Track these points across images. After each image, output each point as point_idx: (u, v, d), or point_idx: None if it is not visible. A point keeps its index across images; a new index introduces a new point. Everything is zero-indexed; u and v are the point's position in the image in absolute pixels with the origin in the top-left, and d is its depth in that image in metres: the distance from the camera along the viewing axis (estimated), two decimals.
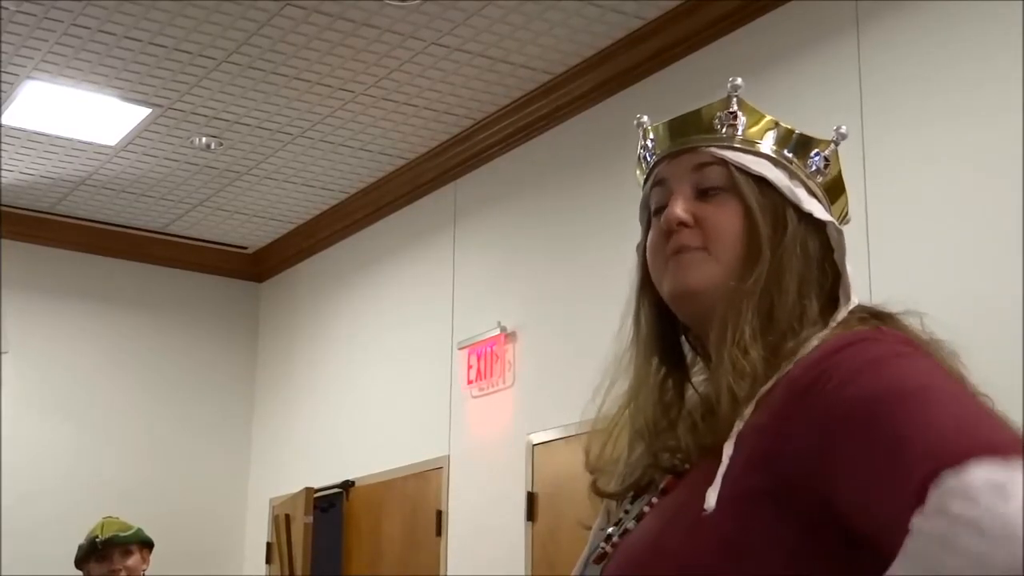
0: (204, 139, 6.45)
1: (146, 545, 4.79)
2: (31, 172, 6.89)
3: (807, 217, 1.32)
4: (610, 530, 1.33)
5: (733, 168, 1.33)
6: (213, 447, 7.85)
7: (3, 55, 5.60)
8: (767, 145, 1.36)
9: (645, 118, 1.42)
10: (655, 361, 1.38)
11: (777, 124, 1.38)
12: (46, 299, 7.51)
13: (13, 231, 7.37)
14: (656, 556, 1.21)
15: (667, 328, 1.39)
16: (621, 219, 5.21)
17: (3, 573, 6.93)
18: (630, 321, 1.41)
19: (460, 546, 6.05)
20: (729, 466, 1.17)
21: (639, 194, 1.43)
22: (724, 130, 1.36)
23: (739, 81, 1.38)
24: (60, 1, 5.17)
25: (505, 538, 5.68)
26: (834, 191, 1.39)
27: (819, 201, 1.35)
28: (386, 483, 6.61)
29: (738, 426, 1.20)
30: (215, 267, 8.05)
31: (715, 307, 1.29)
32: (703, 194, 1.34)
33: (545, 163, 5.95)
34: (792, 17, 4.77)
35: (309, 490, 6.90)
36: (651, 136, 1.41)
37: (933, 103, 4.19)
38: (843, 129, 1.39)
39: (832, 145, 1.38)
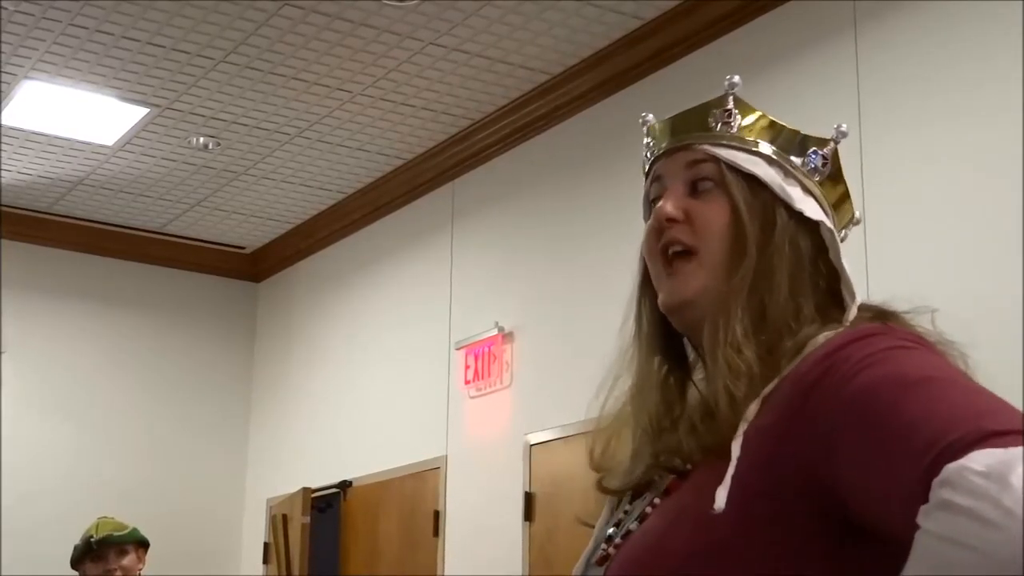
0: (202, 139, 6.44)
1: (142, 545, 4.78)
2: (29, 172, 6.88)
3: (799, 216, 1.32)
4: (611, 531, 1.33)
5: (723, 165, 1.34)
6: (210, 447, 7.84)
7: (1, 55, 5.59)
8: (761, 143, 1.36)
9: (650, 116, 1.43)
10: (657, 359, 1.38)
11: (773, 122, 1.38)
12: (44, 299, 7.51)
13: (10, 231, 7.37)
14: (659, 557, 1.21)
15: (669, 326, 1.39)
16: (619, 219, 5.22)
17: (3, 573, 6.93)
18: (632, 318, 1.41)
19: (458, 546, 6.05)
20: (736, 466, 1.17)
21: (637, 194, 1.44)
22: (719, 127, 1.37)
23: (736, 79, 1.39)
24: (58, 1, 5.17)
25: (503, 538, 5.68)
26: (838, 191, 1.39)
27: (816, 200, 1.35)
28: (384, 483, 6.61)
29: (743, 426, 1.20)
30: (213, 267, 8.05)
31: (707, 311, 1.30)
32: (695, 191, 1.35)
33: (543, 163, 5.95)
34: (790, 17, 4.77)
35: (306, 490, 6.90)
36: (651, 133, 1.42)
37: (931, 103, 4.19)
38: (843, 127, 1.39)
39: (831, 143, 1.38)
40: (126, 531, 4.76)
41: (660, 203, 1.35)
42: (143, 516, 5.23)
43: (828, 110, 4.42)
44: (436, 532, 6.16)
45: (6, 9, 5.22)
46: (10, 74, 5.78)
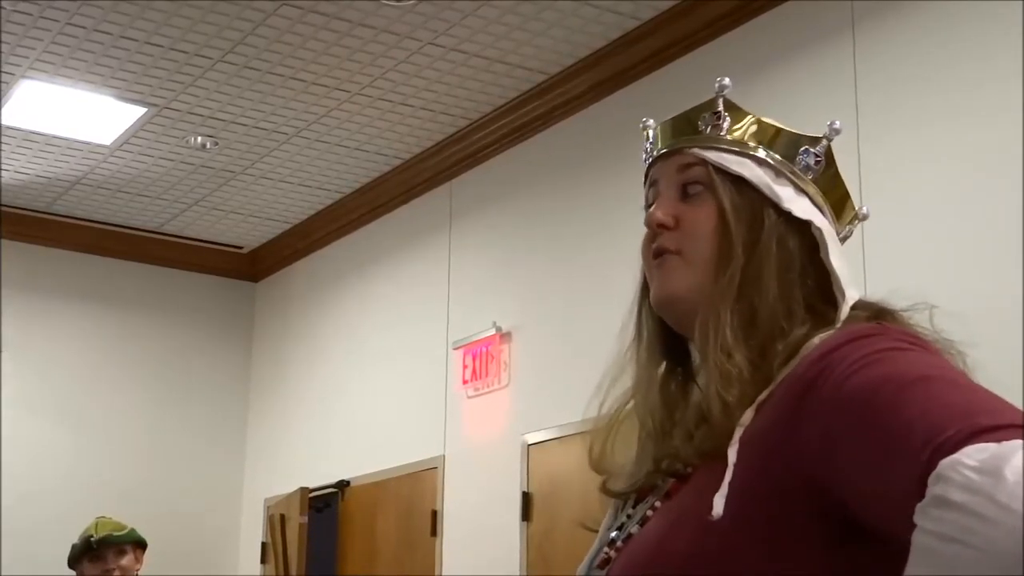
0: (200, 139, 6.44)
1: (140, 545, 4.78)
2: (27, 172, 6.88)
3: (789, 216, 1.32)
4: (613, 534, 1.34)
5: (712, 168, 1.34)
6: (208, 446, 7.84)
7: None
8: (751, 144, 1.36)
9: (650, 121, 1.44)
10: (658, 362, 1.38)
11: (763, 123, 1.38)
12: (41, 298, 7.51)
13: (7, 230, 7.37)
14: (660, 559, 1.21)
15: (670, 328, 1.39)
16: (617, 219, 5.22)
17: (2, 573, 6.92)
18: (633, 319, 1.41)
19: (455, 546, 6.05)
20: (734, 471, 1.18)
21: (635, 194, 1.44)
22: (708, 130, 1.37)
23: (726, 81, 1.39)
24: (56, 1, 5.17)
25: (500, 538, 5.69)
26: (837, 188, 1.39)
27: (811, 199, 1.35)
28: (381, 483, 6.61)
29: (739, 431, 1.20)
30: (211, 267, 8.05)
31: (697, 309, 1.30)
32: (687, 195, 1.36)
33: (541, 163, 5.96)
34: (788, 17, 4.77)
35: (304, 490, 6.90)
36: (650, 138, 1.42)
37: (929, 103, 4.20)
38: (836, 124, 1.39)
39: (824, 141, 1.38)
40: (125, 531, 4.76)
41: (651, 209, 1.36)
42: (141, 516, 5.23)
43: (826, 110, 4.42)
44: (434, 532, 6.16)
45: (4, 8, 5.21)
46: (8, 73, 5.78)
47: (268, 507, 7.40)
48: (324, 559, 6.90)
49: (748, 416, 1.21)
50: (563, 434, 5.36)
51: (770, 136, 1.37)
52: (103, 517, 4.88)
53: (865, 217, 1.44)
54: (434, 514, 6.18)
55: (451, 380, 6.23)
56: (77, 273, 7.64)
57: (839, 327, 1.25)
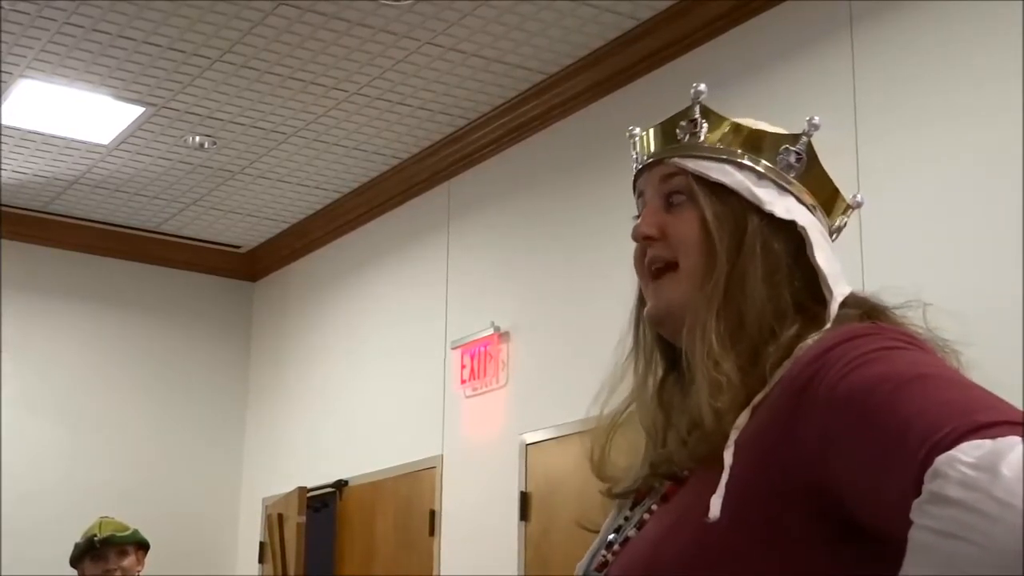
0: (198, 138, 6.44)
1: (142, 547, 4.79)
2: (24, 171, 6.88)
3: (772, 217, 1.32)
4: (611, 537, 1.34)
5: (692, 177, 1.35)
6: (206, 446, 7.84)
7: None
8: (729, 149, 1.36)
9: (637, 130, 1.44)
10: (655, 368, 1.39)
11: (740, 126, 1.38)
12: (39, 298, 7.50)
13: (5, 230, 7.36)
14: (657, 561, 1.21)
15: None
16: (615, 220, 5.21)
17: (2, 573, 6.92)
18: (631, 324, 1.42)
19: (453, 546, 6.05)
20: (731, 473, 1.18)
21: (633, 194, 1.44)
22: (687, 139, 1.37)
23: (702, 87, 1.39)
24: (54, 0, 5.17)
25: (498, 538, 5.69)
26: (824, 183, 1.38)
27: (796, 198, 1.35)
28: (379, 483, 6.61)
29: (734, 435, 1.20)
30: (209, 266, 8.05)
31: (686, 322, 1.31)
32: (671, 205, 1.36)
33: (539, 163, 5.96)
34: (786, 17, 4.77)
35: (302, 490, 6.90)
36: (636, 148, 1.43)
37: (928, 103, 4.19)
38: (815, 120, 1.38)
39: (804, 138, 1.37)
40: (128, 532, 4.76)
41: (637, 223, 1.37)
42: (140, 515, 5.23)
43: (824, 110, 4.38)
44: (432, 532, 6.16)
45: (2, 7, 5.21)
46: (6, 73, 5.78)
47: (266, 507, 7.40)
48: (322, 559, 6.90)
49: (743, 418, 1.21)
50: (561, 434, 5.36)
51: (749, 139, 1.37)
52: (106, 517, 4.88)
53: (859, 205, 1.43)
54: (432, 514, 6.18)
55: (449, 380, 6.23)
56: (74, 272, 7.64)
57: (831, 326, 1.25)
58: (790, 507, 1.14)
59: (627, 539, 1.30)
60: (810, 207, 1.35)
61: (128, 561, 4.71)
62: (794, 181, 1.36)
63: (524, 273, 5.93)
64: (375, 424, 6.75)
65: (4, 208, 7.29)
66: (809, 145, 1.37)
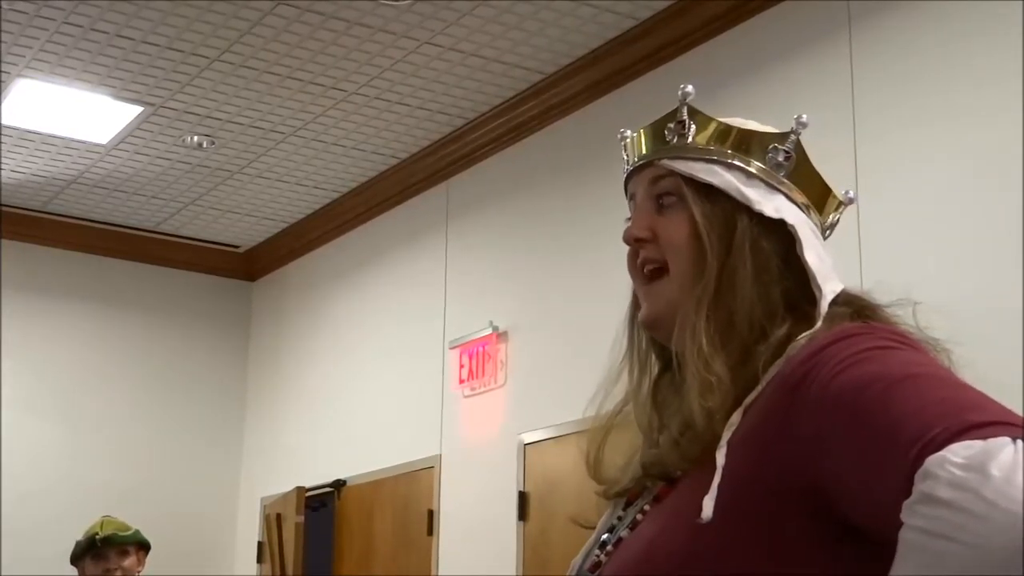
0: (196, 138, 6.44)
1: (143, 547, 4.79)
2: (22, 171, 6.87)
3: (762, 217, 1.32)
4: (604, 537, 1.34)
5: (681, 179, 1.35)
6: (205, 446, 7.84)
7: None
8: (717, 149, 1.36)
9: (628, 132, 1.44)
10: (650, 369, 1.39)
11: (727, 126, 1.38)
12: (36, 298, 7.50)
13: (4, 230, 7.36)
14: (651, 561, 1.21)
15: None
16: (614, 220, 5.20)
17: (2, 573, 6.92)
18: (626, 325, 1.42)
19: (451, 546, 6.05)
20: (724, 474, 1.18)
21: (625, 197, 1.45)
22: (675, 140, 1.38)
23: (689, 88, 1.39)
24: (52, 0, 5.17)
25: (497, 537, 5.69)
26: (815, 181, 1.38)
27: (786, 196, 1.35)
28: (377, 482, 6.61)
29: (727, 435, 1.21)
30: (207, 266, 8.04)
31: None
32: (661, 207, 1.37)
33: (538, 163, 5.96)
34: (785, 17, 4.77)
35: (300, 489, 6.90)
36: (626, 150, 1.43)
37: (926, 103, 4.19)
38: (803, 118, 1.38)
39: (792, 136, 1.37)
40: (130, 532, 4.77)
41: (628, 225, 1.38)
42: (138, 515, 5.23)
43: (823, 110, 4.42)
44: (430, 531, 6.16)
45: (1, 7, 5.21)
46: (4, 72, 5.78)
47: (264, 506, 7.40)
48: (320, 558, 6.90)
49: (736, 418, 1.22)
50: (559, 433, 5.36)
51: (737, 139, 1.37)
52: (108, 516, 4.88)
53: (851, 201, 1.43)
54: (430, 513, 6.18)
55: (447, 380, 6.23)
56: (73, 272, 7.63)
57: (823, 325, 1.24)
58: (785, 507, 1.14)
59: (620, 540, 1.30)
60: (801, 205, 1.35)
61: (129, 561, 4.71)
62: (784, 180, 1.36)
63: (523, 273, 5.93)
64: (373, 424, 6.75)
65: (2, 208, 7.29)
66: (798, 143, 1.37)
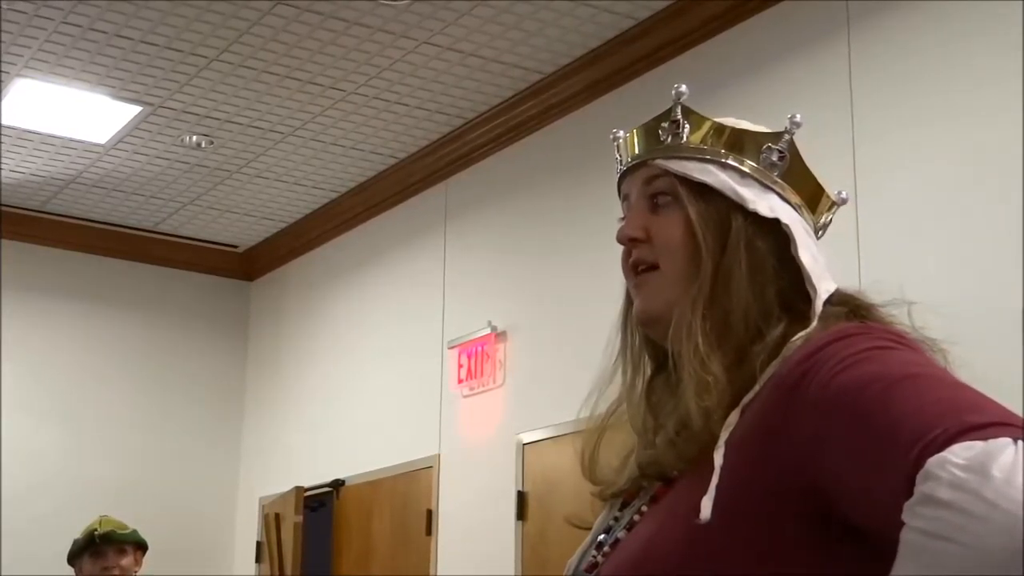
0: (195, 137, 6.44)
1: (141, 547, 4.79)
2: (21, 170, 6.87)
3: (756, 216, 1.32)
4: (601, 538, 1.34)
5: (676, 178, 1.35)
6: (203, 446, 7.84)
7: None
8: (711, 149, 1.36)
9: (621, 133, 1.44)
10: (644, 369, 1.39)
11: (721, 126, 1.38)
12: (35, 297, 7.50)
13: (3, 229, 7.36)
14: (648, 562, 1.21)
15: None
16: (612, 220, 5.19)
17: (1, 573, 6.92)
18: (619, 325, 1.42)
19: (450, 545, 6.05)
20: (722, 474, 1.18)
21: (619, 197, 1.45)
22: (669, 140, 1.38)
23: (683, 88, 1.39)
24: None
25: (495, 537, 5.69)
26: (808, 181, 1.38)
27: (779, 196, 1.35)
28: (376, 482, 6.61)
29: (724, 435, 1.20)
30: (206, 266, 8.04)
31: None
32: (656, 206, 1.37)
33: (536, 163, 5.96)
34: (783, 17, 4.77)
35: (299, 489, 6.89)
36: (620, 151, 1.43)
37: (925, 103, 4.19)
38: (797, 117, 1.38)
39: (786, 135, 1.37)
40: (128, 531, 4.77)
41: (622, 225, 1.38)
42: (137, 515, 5.23)
43: (821, 110, 4.42)
44: (429, 531, 6.16)
45: (0, 7, 5.21)
46: (3, 72, 5.77)
47: (263, 506, 7.40)
48: (319, 558, 6.89)
49: (734, 418, 1.22)
50: (558, 433, 5.36)
51: (731, 138, 1.37)
52: (107, 516, 4.88)
53: (844, 201, 1.43)
54: (429, 513, 6.18)
55: (446, 379, 6.23)
56: (72, 272, 7.63)
57: (818, 324, 1.25)
58: (784, 507, 1.14)
59: (617, 540, 1.30)
60: (795, 205, 1.36)
61: (127, 560, 4.71)
62: (778, 179, 1.36)
63: (521, 273, 5.93)
64: (372, 424, 6.75)
65: (1, 207, 7.29)
66: (791, 143, 1.37)
